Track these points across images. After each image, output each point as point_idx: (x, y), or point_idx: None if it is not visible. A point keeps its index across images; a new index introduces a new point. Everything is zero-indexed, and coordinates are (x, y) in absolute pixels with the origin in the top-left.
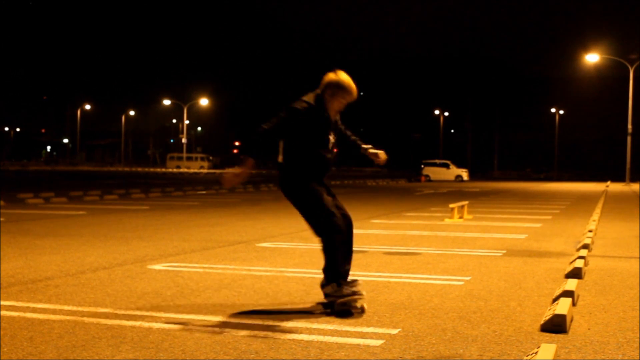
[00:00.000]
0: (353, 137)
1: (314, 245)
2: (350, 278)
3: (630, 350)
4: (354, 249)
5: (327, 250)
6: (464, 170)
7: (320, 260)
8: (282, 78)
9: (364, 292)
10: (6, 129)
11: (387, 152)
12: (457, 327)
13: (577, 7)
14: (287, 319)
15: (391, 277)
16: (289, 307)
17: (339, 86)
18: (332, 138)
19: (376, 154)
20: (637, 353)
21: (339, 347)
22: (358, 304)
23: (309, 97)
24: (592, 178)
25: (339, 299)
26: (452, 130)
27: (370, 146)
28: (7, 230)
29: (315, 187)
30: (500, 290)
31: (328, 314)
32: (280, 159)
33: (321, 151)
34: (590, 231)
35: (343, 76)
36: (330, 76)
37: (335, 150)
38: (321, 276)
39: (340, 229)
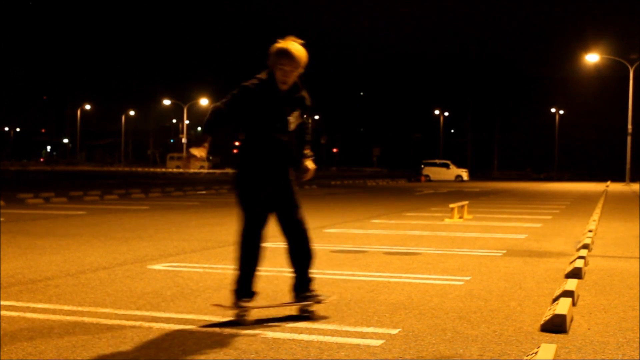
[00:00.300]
0: (308, 137)
1: (314, 245)
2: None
3: (630, 350)
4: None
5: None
6: (464, 170)
7: (320, 260)
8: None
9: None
10: (6, 129)
11: (386, 152)
12: (457, 327)
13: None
14: (287, 319)
15: (391, 277)
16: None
17: (276, 53)
18: (291, 119)
19: (306, 169)
20: (637, 353)
21: (339, 347)
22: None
23: (262, 74)
24: (592, 178)
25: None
26: (452, 130)
27: (310, 155)
28: (7, 230)
29: (251, 182)
30: (500, 290)
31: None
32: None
33: (275, 134)
34: (590, 231)
35: (282, 42)
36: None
37: (291, 130)
38: (322, 276)
39: (247, 234)
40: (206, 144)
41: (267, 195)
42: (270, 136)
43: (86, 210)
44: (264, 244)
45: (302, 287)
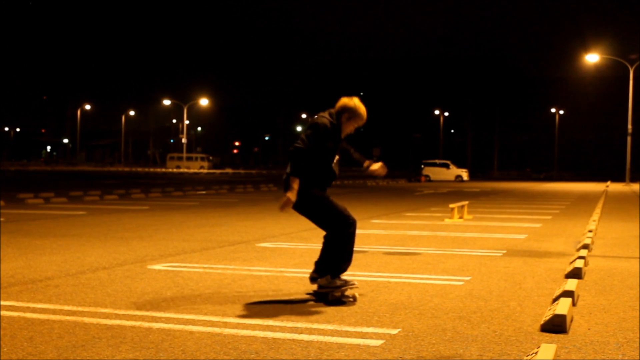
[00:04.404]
0: (357, 155)
1: (314, 245)
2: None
3: (630, 350)
4: (354, 249)
5: (336, 244)
6: (464, 170)
7: None
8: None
9: (355, 282)
10: (6, 129)
11: (386, 152)
12: (457, 327)
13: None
14: (287, 319)
15: (391, 277)
16: (288, 306)
17: (356, 114)
18: (337, 155)
19: (375, 171)
20: (637, 353)
21: (339, 347)
22: (349, 293)
23: (328, 116)
24: (592, 178)
25: (333, 291)
26: (452, 130)
27: (369, 162)
28: (7, 230)
29: (324, 193)
30: (500, 290)
31: (324, 304)
32: (288, 169)
33: (330, 165)
34: (590, 231)
35: (359, 103)
36: (348, 101)
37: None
38: None
39: (354, 222)
40: (296, 186)
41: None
42: (329, 167)
43: (86, 211)
44: None
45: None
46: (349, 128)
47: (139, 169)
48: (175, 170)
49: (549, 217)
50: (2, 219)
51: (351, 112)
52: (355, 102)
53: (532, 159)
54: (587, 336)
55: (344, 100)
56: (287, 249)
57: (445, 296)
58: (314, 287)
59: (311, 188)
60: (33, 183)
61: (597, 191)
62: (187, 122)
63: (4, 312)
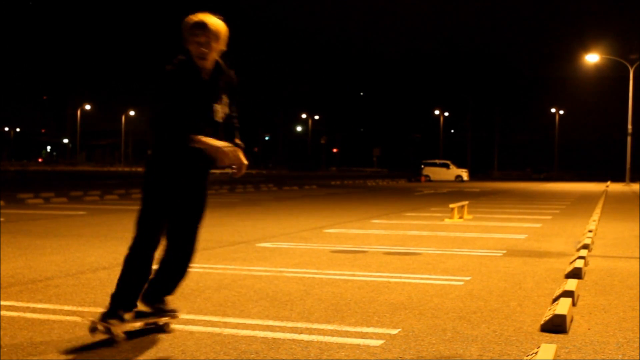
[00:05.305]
0: (236, 126)
1: (314, 245)
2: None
3: (630, 350)
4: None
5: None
6: (464, 170)
7: (320, 260)
8: (282, 78)
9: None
10: (6, 129)
11: (386, 152)
12: (457, 327)
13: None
14: (287, 319)
15: (391, 277)
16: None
17: (187, 25)
18: (219, 108)
19: (239, 164)
20: (637, 353)
21: (339, 347)
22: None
23: (179, 57)
24: (592, 178)
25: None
26: (452, 130)
27: (242, 147)
28: (7, 230)
29: (162, 184)
30: (500, 290)
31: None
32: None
33: (200, 126)
34: (590, 231)
35: (194, 16)
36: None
37: (220, 121)
38: (322, 276)
39: (135, 253)
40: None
41: (179, 200)
42: (195, 129)
43: (86, 210)
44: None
45: (161, 296)
46: (193, 50)
47: (139, 169)
48: None
49: (549, 217)
50: (2, 219)
51: (184, 31)
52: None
53: (532, 159)
54: (587, 336)
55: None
56: (287, 249)
57: (445, 296)
58: (315, 288)
59: (162, 161)
60: (33, 183)
61: (597, 191)
62: None
63: (4, 312)
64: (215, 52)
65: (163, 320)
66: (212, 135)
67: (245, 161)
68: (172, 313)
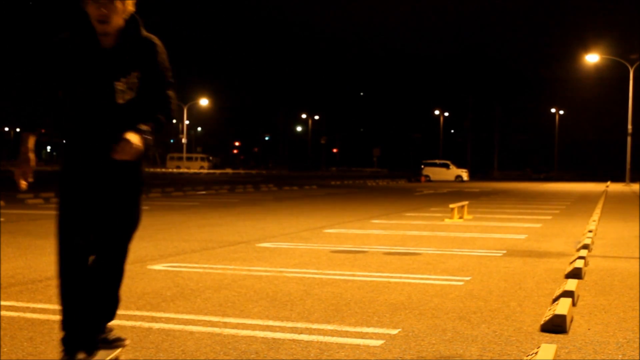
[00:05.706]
0: (162, 110)
1: (314, 245)
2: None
3: (630, 350)
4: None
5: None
6: (464, 170)
7: (320, 260)
8: (282, 77)
9: None
10: (6, 129)
11: (386, 152)
12: (457, 327)
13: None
14: (287, 319)
15: (391, 277)
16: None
17: None
18: (120, 86)
19: (125, 142)
20: (637, 353)
21: (339, 347)
22: None
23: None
24: (592, 178)
25: None
26: (452, 130)
27: (144, 131)
28: (7, 230)
29: (71, 182)
30: (500, 290)
31: None
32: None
33: (96, 108)
34: (590, 231)
35: None
36: None
37: (122, 102)
38: (322, 276)
39: (71, 253)
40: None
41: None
42: (91, 113)
43: None
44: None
45: (100, 324)
46: (92, 13)
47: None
48: (175, 170)
49: (549, 217)
50: (2, 219)
51: None
52: None
53: (532, 159)
54: (587, 336)
55: None
56: (287, 249)
57: (445, 296)
58: (315, 288)
59: (67, 159)
60: (33, 183)
61: (597, 191)
62: (187, 122)
63: (4, 312)
64: (121, 13)
65: (112, 354)
66: (110, 121)
67: (133, 143)
68: (119, 342)
